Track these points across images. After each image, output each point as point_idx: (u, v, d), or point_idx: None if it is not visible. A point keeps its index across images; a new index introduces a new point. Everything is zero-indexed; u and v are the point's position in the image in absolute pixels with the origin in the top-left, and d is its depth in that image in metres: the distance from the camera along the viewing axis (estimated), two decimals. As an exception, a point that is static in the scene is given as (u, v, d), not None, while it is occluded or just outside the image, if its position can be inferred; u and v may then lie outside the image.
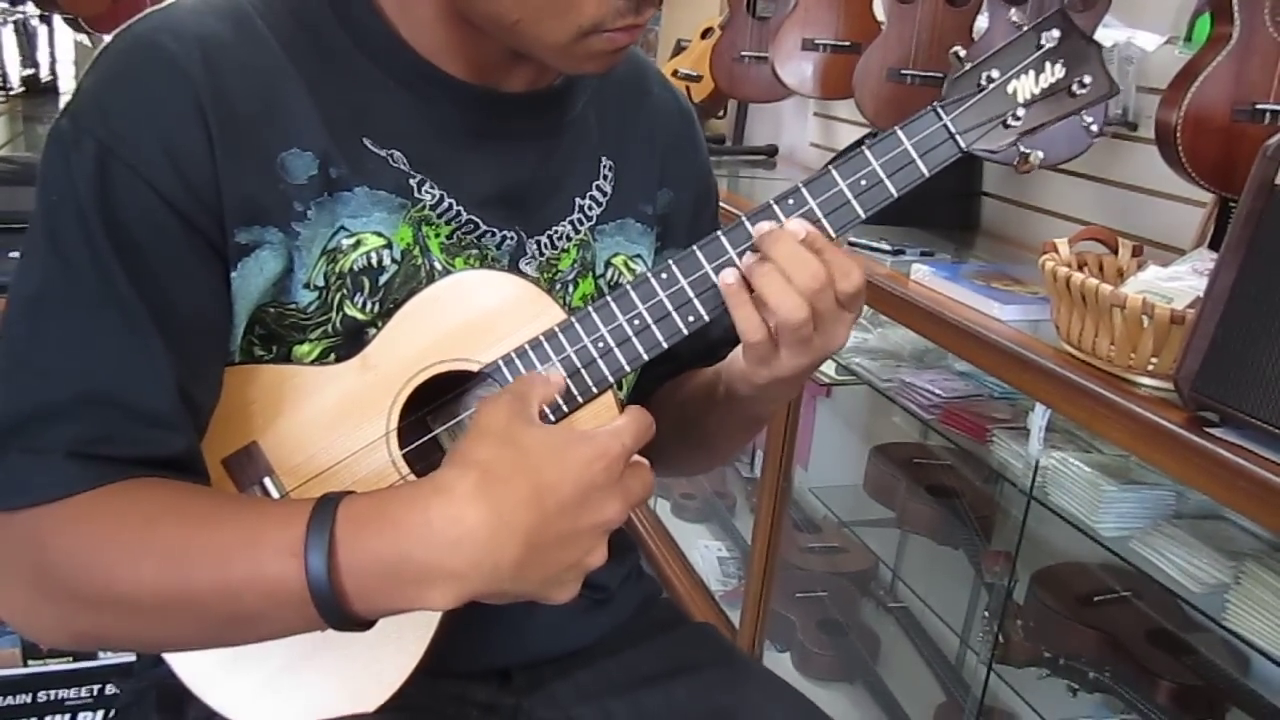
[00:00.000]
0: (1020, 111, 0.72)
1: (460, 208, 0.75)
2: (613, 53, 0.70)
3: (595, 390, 0.72)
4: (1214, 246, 1.30)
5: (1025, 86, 0.71)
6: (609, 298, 0.72)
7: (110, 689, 1.62)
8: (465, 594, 0.59)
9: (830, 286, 0.69)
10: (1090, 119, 0.75)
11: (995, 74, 0.71)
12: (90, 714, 1.61)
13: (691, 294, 0.72)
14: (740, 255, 0.71)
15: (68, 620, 0.64)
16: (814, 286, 0.68)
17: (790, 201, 0.71)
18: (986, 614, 1.63)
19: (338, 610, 0.60)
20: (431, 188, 0.74)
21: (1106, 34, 1.51)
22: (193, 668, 0.73)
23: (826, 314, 0.70)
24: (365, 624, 0.62)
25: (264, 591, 0.60)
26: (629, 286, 0.72)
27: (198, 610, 0.61)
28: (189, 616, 0.62)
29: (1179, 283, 1.12)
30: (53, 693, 1.61)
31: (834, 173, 0.71)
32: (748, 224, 0.71)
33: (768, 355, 0.73)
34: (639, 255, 0.86)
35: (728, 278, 0.71)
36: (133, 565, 0.61)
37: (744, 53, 2.46)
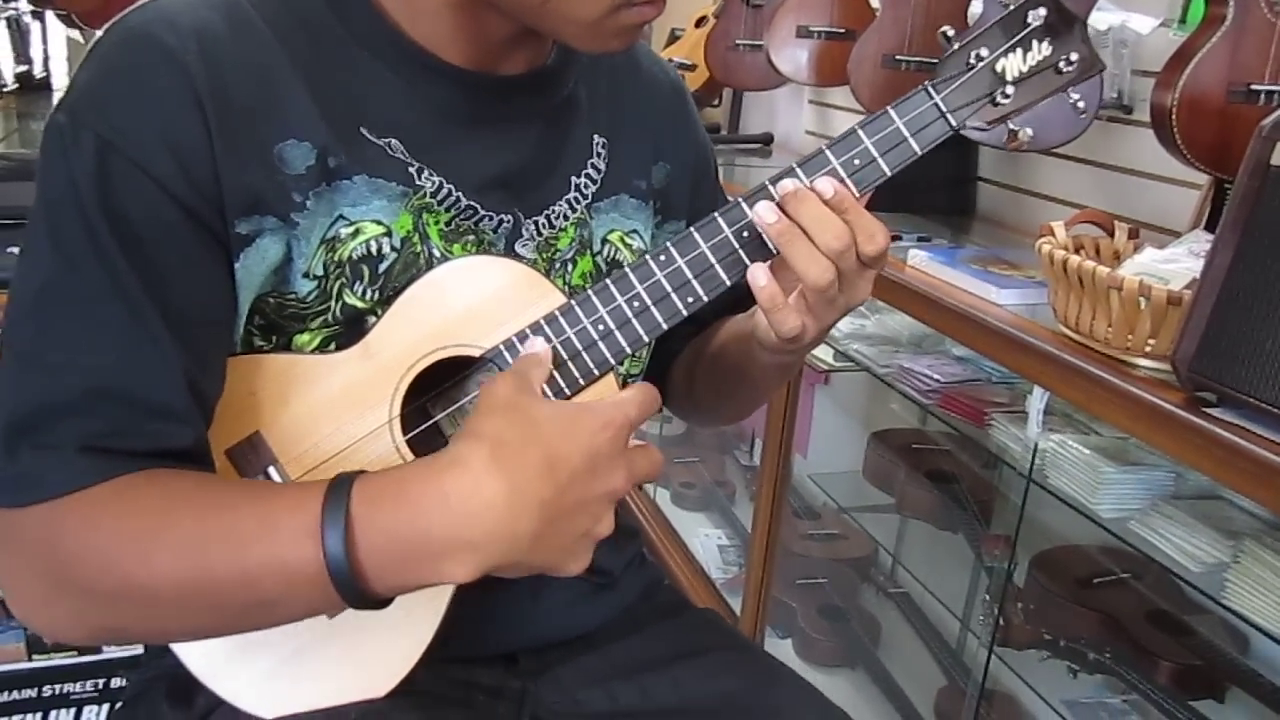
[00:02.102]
0: (1009, 89, 0.72)
1: (459, 194, 0.75)
2: (638, 27, 0.70)
3: (596, 373, 0.72)
4: (1210, 228, 1.31)
5: (1013, 65, 0.72)
6: (608, 280, 0.72)
7: (116, 682, 1.62)
8: (484, 565, 0.60)
9: (853, 248, 0.69)
10: (1077, 96, 0.75)
11: (984, 53, 0.72)
12: (95, 708, 1.62)
13: (690, 275, 0.72)
14: (738, 235, 0.72)
15: (85, 615, 0.64)
16: (838, 248, 0.69)
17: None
18: (987, 597, 1.64)
19: (356, 590, 0.60)
20: (431, 175, 0.74)
21: (1101, 17, 1.51)
22: (201, 657, 0.73)
23: (849, 273, 0.70)
24: (384, 602, 0.63)
25: (282, 575, 0.60)
26: (628, 269, 0.72)
27: (215, 598, 0.62)
28: (206, 605, 0.62)
29: (1175, 264, 1.12)
30: (58, 687, 1.61)
31: (827, 153, 0.71)
32: (770, 186, 0.71)
33: (787, 320, 0.72)
34: (635, 230, 0.87)
35: (759, 278, 0.71)
36: (148, 557, 0.61)
37: (739, 41, 2.45)
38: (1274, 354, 0.91)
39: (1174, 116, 1.28)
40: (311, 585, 0.60)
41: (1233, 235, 0.95)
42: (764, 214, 0.70)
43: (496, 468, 0.59)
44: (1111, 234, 1.29)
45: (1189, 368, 0.97)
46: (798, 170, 0.72)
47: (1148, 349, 1.07)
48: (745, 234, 0.72)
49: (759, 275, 0.71)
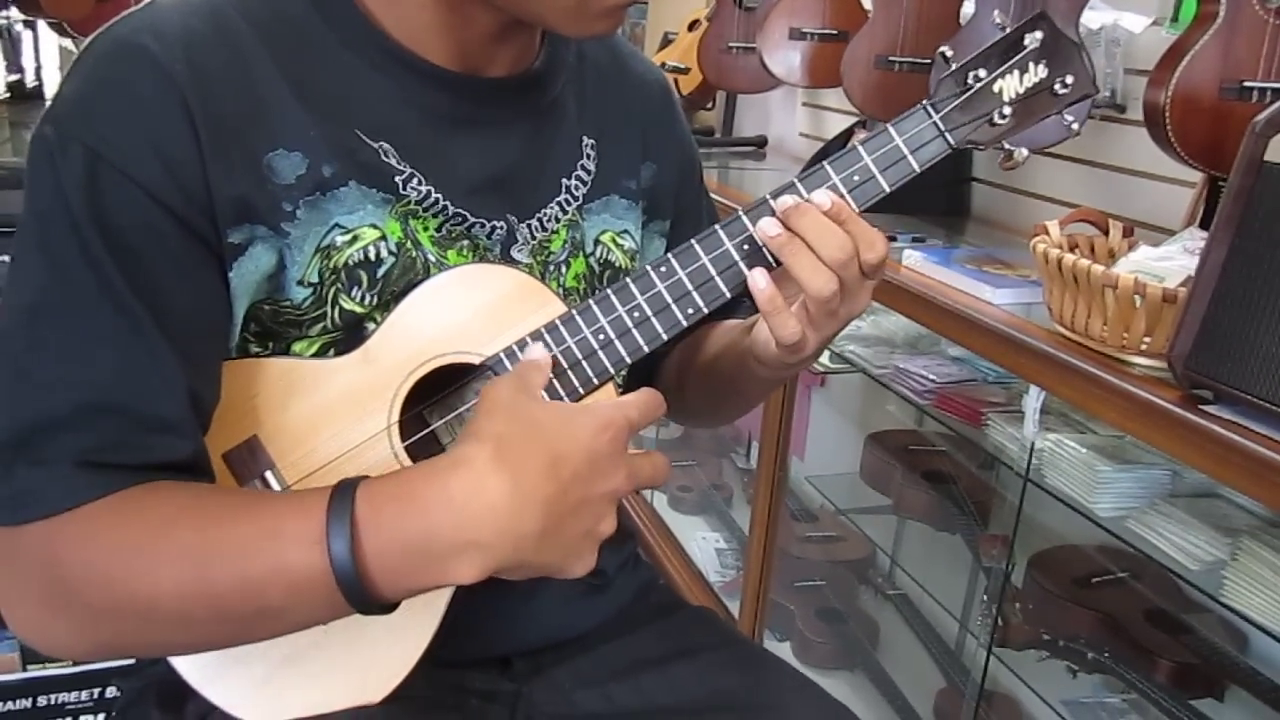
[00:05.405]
0: (1005, 110, 0.74)
1: (447, 202, 0.75)
2: (623, 7, 0.70)
3: (596, 382, 0.73)
4: (1204, 225, 1.31)
5: (1010, 86, 0.74)
6: (609, 290, 0.72)
7: (111, 691, 1.61)
8: (491, 565, 0.60)
9: (856, 258, 0.70)
10: (1071, 118, 0.78)
11: (982, 74, 0.74)
12: (91, 717, 1.61)
13: (690, 286, 0.73)
14: (739, 248, 0.72)
15: (86, 631, 0.64)
16: (841, 258, 0.69)
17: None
18: (985, 598, 1.63)
19: (363, 594, 0.60)
20: (419, 183, 0.74)
21: (1093, 16, 1.52)
22: (193, 663, 0.73)
23: (851, 284, 0.71)
24: (390, 606, 0.62)
25: (288, 583, 0.60)
26: (629, 279, 0.72)
27: (221, 609, 0.61)
28: (210, 617, 0.62)
29: (1170, 262, 1.12)
30: (53, 697, 1.60)
31: (828, 168, 0.72)
32: (771, 200, 0.72)
33: (787, 325, 0.72)
34: (626, 231, 0.87)
35: (759, 281, 0.71)
36: (152, 571, 0.61)
37: (731, 44, 2.46)
38: (1270, 350, 0.91)
39: (1167, 114, 1.28)
40: (317, 592, 0.60)
41: (1227, 232, 0.95)
42: (767, 228, 0.71)
43: (500, 467, 0.59)
44: (1106, 232, 1.29)
45: (1185, 365, 0.97)
46: (798, 184, 0.72)
47: (1143, 347, 1.07)
48: (746, 246, 0.73)
49: (759, 279, 0.71)
